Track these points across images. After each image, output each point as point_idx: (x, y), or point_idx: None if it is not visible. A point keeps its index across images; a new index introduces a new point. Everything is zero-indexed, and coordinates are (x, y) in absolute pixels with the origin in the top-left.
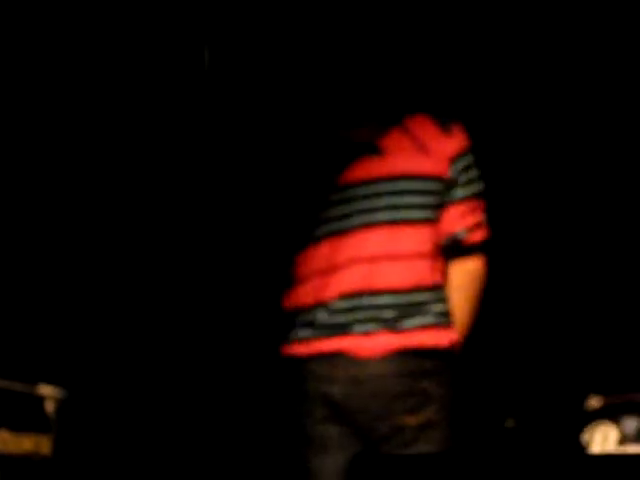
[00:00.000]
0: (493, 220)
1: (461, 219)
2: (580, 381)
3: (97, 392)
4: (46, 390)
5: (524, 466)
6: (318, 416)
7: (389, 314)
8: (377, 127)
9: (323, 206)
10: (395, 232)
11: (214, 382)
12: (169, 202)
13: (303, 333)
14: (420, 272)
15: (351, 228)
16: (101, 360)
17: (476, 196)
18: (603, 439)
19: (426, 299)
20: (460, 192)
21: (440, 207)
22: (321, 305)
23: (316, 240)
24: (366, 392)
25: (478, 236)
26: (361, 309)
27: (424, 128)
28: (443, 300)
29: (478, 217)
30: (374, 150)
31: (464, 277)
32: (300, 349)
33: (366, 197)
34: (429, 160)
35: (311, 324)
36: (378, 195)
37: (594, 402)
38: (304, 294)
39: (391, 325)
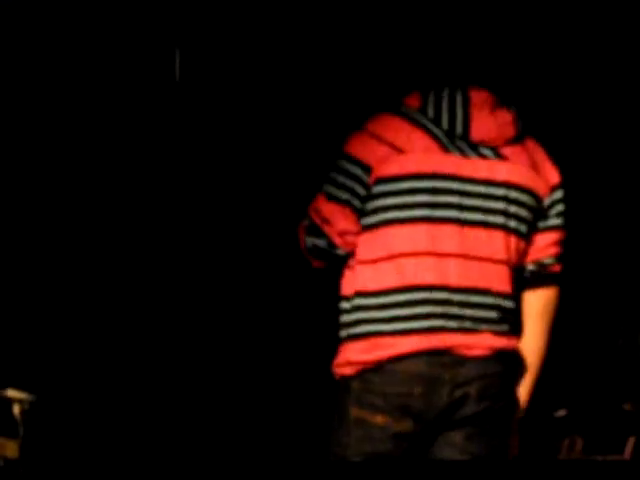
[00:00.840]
0: None
1: (551, 247)
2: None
3: (65, 396)
4: (13, 394)
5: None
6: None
7: (492, 315)
8: (504, 136)
9: (448, 192)
10: (506, 239)
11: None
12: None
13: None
14: (512, 282)
15: (466, 222)
16: (69, 364)
17: (565, 229)
18: None
19: (513, 306)
20: (554, 221)
21: (533, 229)
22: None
23: (416, 221)
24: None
25: (561, 266)
26: (468, 305)
27: (537, 151)
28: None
29: (563, 248)
30: (498, 154)
31: (548, 304)
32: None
33: (486, 197)
34: (539, 180)
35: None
36: (496, 198)
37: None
38: (398, 273)
39: (493, 327)
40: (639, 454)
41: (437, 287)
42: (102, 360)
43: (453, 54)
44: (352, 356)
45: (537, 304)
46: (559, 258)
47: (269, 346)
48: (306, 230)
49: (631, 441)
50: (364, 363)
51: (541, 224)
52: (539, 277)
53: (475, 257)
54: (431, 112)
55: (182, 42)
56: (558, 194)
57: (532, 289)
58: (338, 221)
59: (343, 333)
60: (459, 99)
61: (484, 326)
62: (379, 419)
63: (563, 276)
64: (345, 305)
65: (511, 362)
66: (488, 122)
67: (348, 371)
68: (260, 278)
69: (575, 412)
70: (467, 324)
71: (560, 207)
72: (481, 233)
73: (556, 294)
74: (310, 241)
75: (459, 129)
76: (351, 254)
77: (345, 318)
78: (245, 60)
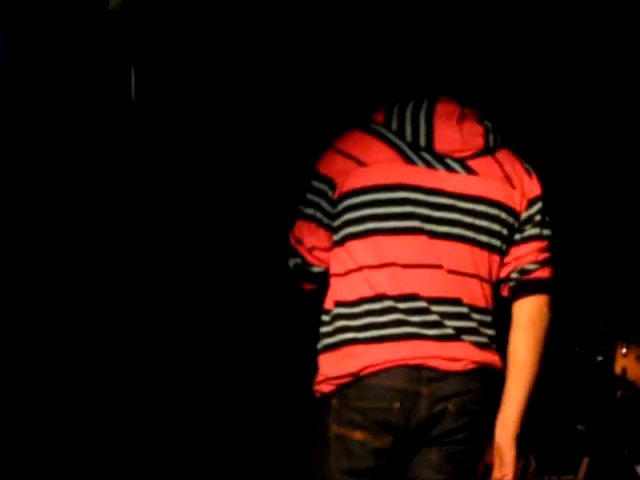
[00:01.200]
0: None
1: (532, 255)
2: None
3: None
4: None
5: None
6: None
7: (471, 324)
8: (472, 148)
9: (412, 203)
10: (476, 253)
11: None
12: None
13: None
14: (485, 296)
15: (438, 235)
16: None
17: (547, 238)
18: None
19: (489, 320)
20: (533, 231)
21: (508, 243)
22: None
23: (385, 232)
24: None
25: (547, 273)
26: (446, 315)
27: (511, 164)
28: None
29: (548, 256)
30: (466, 167)
31: (535, 313)
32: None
33: (454, 210)
34: (514, 194)
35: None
36: (464, 211)
37: None
38: (369, 284)
39: (473, 337)
40: (593, 475)
41: (409, 296)
42: (91, 358)
43: (424, 65)
44: (328, 371)
45: (524, 314)
46: (543, 264)
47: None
48: (286, 253)
49: (585, 461)
50: (340, 377)
51: (518, 236)
52: (522, 285)
53: (446, 269)
54: (394, 125)
55: (137, 60)
56: (536, 207)
57: (517, 299)
58: (306, 238)
59: (320, 345)
60: (423, 111)
61: (464, 336)
62: (358, 435)
63: (552, 283)
64: (323, 318)
65: (492, 379)
66: (453, 133)
67: (326, 388)
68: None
69: (528, 432)
70: (447, 331)
71: (538, 218)
72: (449, 246)
73: (544, 302)
74: (291, 262)
75: (422, 141)
76: (327, 270)
77: (322, 330)
78: (201, 77)
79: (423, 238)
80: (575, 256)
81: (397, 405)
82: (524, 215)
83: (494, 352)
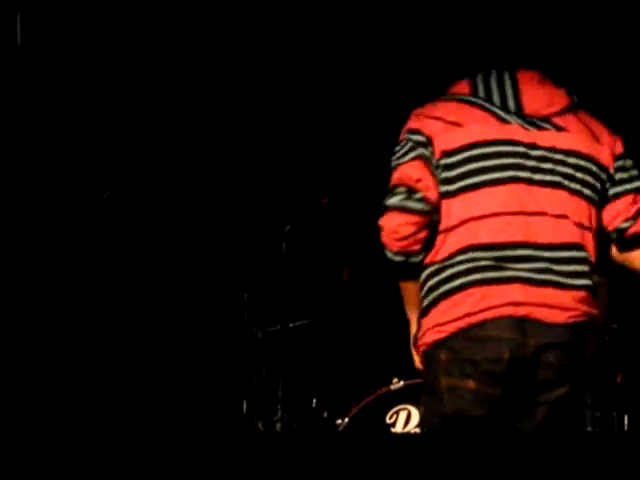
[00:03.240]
0: None
1: (626, 211)
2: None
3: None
4: None
5: None
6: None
7: (583, 268)
8: (558, 104)
9: (509, 156)
10: (574, 200)
11: None
12: None
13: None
14: (590, 241)
15: (538, 183)
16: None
17: (638, 189)
18: (405, 420)
19: (593, 266)
20: (624, 187)
21: (602, 197)
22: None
23: (489, 184)
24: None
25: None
26: (549, 261)
27: (594, 123)
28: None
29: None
30: (555, 125)
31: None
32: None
33: (553, 161)
34: (602, 150)
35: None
36: (560, 163)
37: (396, 385)
38: (475, 235)
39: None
40: None
41: (516, 244)
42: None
43: (495, 40)
44: (439, 319)
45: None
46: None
47: None
48: (386, 197)
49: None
50: (450, 322)
51: (611, 191)
52: (624, 243)
53: (551, 215)
54: (482, 93)
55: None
56: (623, 161)
57: (623, 253)
58: (413, 173)
59: (429, 300)
60: (507, 79)
61: (573, 281)
62: (471, 384)
63: None
64: (427, 271)
65: (589, 330)
66: (539, 94)
67: (434, 337)
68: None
69: None
70: (555, 278)
71: (629, 174)
72: (549, 192)
73: None
74: (392, 200)
75: (511, 104)
76: (433, 203)
77: (430, 283)
78: (86, 25)
79: (524, 186)
80: None
81: (507, 356)
82: (612, 170)
83: (594, 300)
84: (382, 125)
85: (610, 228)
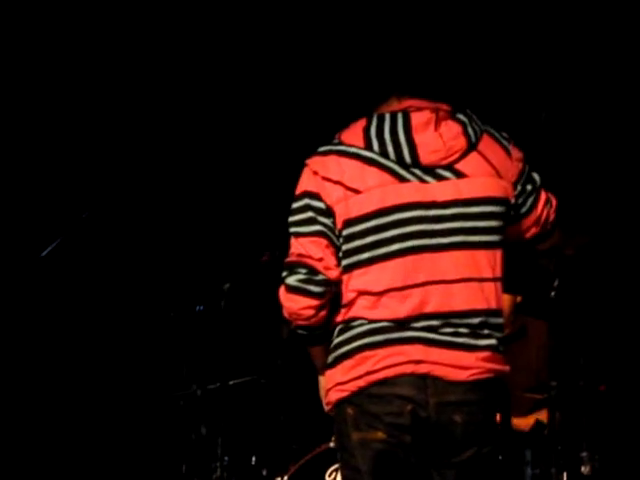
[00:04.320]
0: None
1: (533, 227)
2: None
3: None
4: None
5: None
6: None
7: (472, 331)
8: (456, 151)
9: (411, 222)
10: (479, 255)
11: None
12: None
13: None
14: (497, 293)
15: (437, 248)
16: None
17: (539, 195)
18: None
19: (500, 322)
20: (526, 207)
21: (509, 225)
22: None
23: (390, 256)
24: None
25: (550, 222)
26: (451, 325)
27: (494, 151)
28: (503, 327)
29: (545, 211)
30: (455, 172)
31: (552, 242)
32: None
33: (453, 218)
34: (504, 185)
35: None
36: (464, 217)
37: (334, 442)
38: (379, 309)
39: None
40: None
41: (419, 316)
42: None
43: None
44: (341, 377)
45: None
46: (546, 222)
47: None
48: (285, 272)
49: None
50: (352, 380)
51: (516, 215)
52: (537, 240)
53: (453, 280)
54: (376, 147)
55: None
56: (521, 184)
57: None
58: (313, 251)
59: (331, 358)
60: (400, 127)
61: (474, 342)
62: (380, 434)
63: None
64: (335, 329)
65: (497, 388)
66: (435, 143)
67: (339, 395)
68: None
69: None
70: (457, 340)
71: (527, 189)
72: (455, 255)
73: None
74: (292, 279)
75: (408, 158)
76: (334, 282)
77: (336, 341)
78: None
79: (427, 255)
80: None
81: (409, 408)
82: (515, 195)
83: (502, 358)
84: None
85: (523, 239)
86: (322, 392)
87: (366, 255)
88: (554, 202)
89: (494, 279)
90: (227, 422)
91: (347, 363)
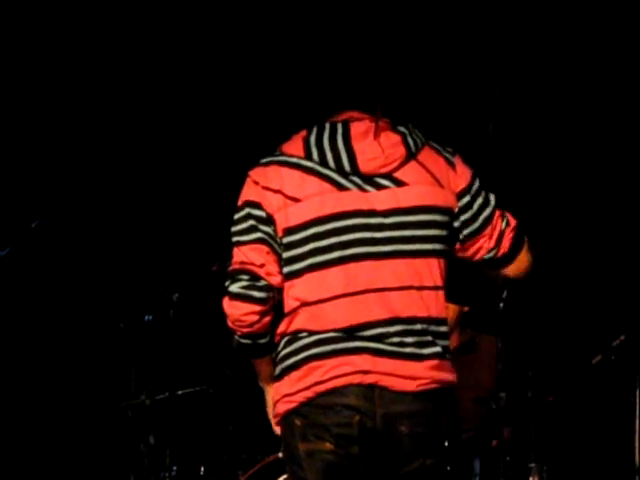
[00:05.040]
0: None
1: (487, 242)
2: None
3: None
4: None
5: None
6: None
7: (426, 338)
8: (395, 160)
9: (351, 230)
10: (420, 263)
11: None
12: None
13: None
14: (440, 302)
15: (377, 255)
16: None
17: (492, 216)
18: None
19: (443, 330)
20: (473, 228)
21: (455, 239)
22: (346, 330)
23: (331, 264)
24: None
25: (506, 244)
26: (395, 334)
27: (435, 162)
28: (447, 335)
29: (501, 228)
30: (395, 180)
31: (520, 268)
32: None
33: (392, 227)
34: (444, 194)
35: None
36: (403, 226)
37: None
38: (322, 318)
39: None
40: None
41: (362, 325)
42: None
43: (329, 79)
44: (288, 389)
45: (512, 271)
46: (499, 242)
47: None
48: (228, 281)
49: None
50: (300, 392)
51: (464, 233)
52: (493, 264)
53: (394, 288)
54: (315, 155)
55: None
56: (468, 197)
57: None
58: (255, 258)
59: (280, 367)
60: (339, 135)
61: (419, 351)
62: (328, 445)
63: (522, 231)
64: (280, 342)
65: (444, 397)
66: (373, 151)
67: (287, 407)
68: None
69: None
70: (403, 350)
71: (473, 211)
72: (395, 263)
73: (523, 257)
74: (234, 287)
75: (347, 166)
76: (275, 288)
77: (282, 353)
78: None
79: (367, 263)
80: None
81: (356, 419)
82: (458, 209)
83: (449, 366)
84: None
85: (476, 258)
86: (269, 406)
87: (306, 263)
88: (513, 222)
89: (435, 287)
90: (176, 432)
91: (294, 374)
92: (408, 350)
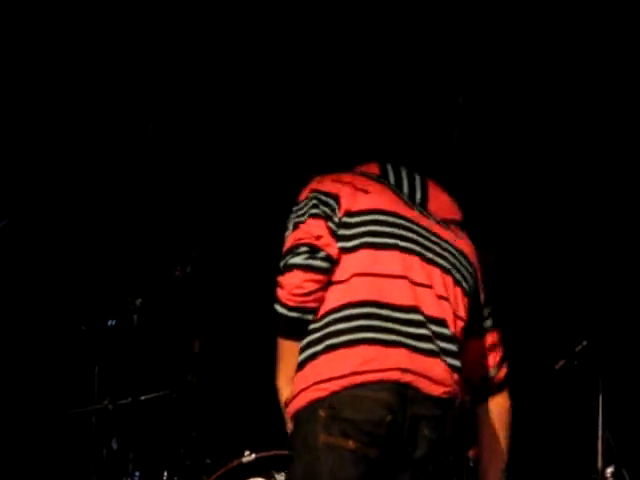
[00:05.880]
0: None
1: (490, 353)
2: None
3: None
4: None
5: None
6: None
7: (453, 347)
8: (454, 217)
9: (408, 230)
10: (456, 287)
11: None
12: None
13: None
14: (460, 329)
15: (430, 261)
16: None
17: (498, 328)
18: None
19: (459, 349)
20: (488, 322)
21: (473, 306)
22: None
23: (387, 247)
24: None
25: (504, 371)
26: (432, 332)
27: (462, 233)
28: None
29: (503, 350)
30: (454, 231)
31: (503, 415)
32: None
33: (443, 249)
34: (478, 274)
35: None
36: (450, 253)
37: (247, 457)
38: (380, 290)
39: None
40: None
41: (408, 308)
42: None
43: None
44: (317, 377)
45: (494, 415)
46: (502, 363)
47: None
48: (287, 256)
49: None
50: (334, 380)
51: (477, 325)
52: (489, 389)
53: (435, 291)
54: (392, 179)
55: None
56: (484, 294)
57: (487, 401)
58: (314, 230)
59: (309, 352)
60: (416, 175)
61: (448, 358)
62: (351, 444)
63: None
64: (315, 325)
65: (458, 406)
66: (443, 200)
67: (316, 395)
68: None
69: None
70: (435, 349)
71: (489, 308)
72: (438, 272)
73: (508, 400)
74: (295, 259)
75: (418, 196)
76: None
77: (313, 337)
78: None
79: (417, 259)
80: None
81: (388, 419)
82: (479, 301)
83: (462, 382)
84: (238, 199)
85: (477, 374)
86: (284, 394)
87: (362, 240)
88: (506, 366)
89: (462, 320)
90: (139, 437)
91: (328, 358)
92: (440, 355)
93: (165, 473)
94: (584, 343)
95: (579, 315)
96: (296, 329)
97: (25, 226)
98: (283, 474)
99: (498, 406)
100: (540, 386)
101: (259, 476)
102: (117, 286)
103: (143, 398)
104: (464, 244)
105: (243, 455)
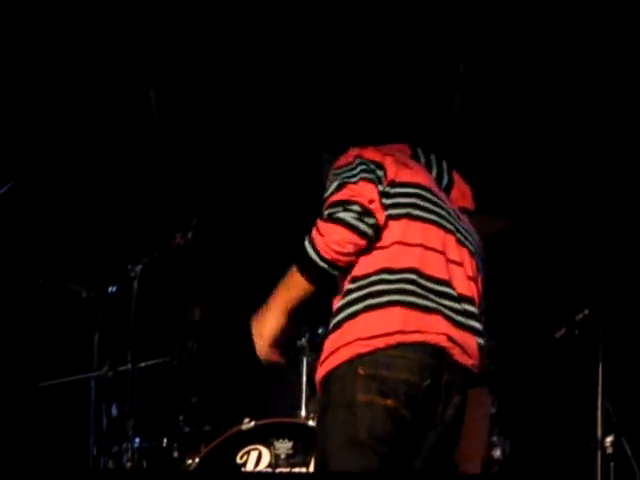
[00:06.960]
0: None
1: None
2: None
3: None
4: None
5: None
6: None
7: (475, 324)
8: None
9: (444, 210)
10: (479, 273)
11: None
12: None
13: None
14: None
15: (462, 242)
16: None
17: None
18: (256, 460)
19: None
20: None
21: None
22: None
23: (429, 222)
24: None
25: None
26: (465, 308)
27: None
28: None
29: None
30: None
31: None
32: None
33: (469, 232)
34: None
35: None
36: (474, 239)
37: (247, 425)
38: (423, 260)
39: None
40: None
41: (443, 281)
42: None
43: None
44: (363, 333)
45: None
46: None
47: None
48: (338, 208)
49: None
50: (379, 337)
51: None
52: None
53: (465, 270)
54: (422, 160)
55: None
56: None
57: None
58: (366, 193)
59: (348, 312)
60: (445, 161)
61: (477, 335)
62: (389, 402)
63: None
64: (360, 282)
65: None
66: (463, 189)
67: (358, 350)
68: None
69: None
70: (470, 324)
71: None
72: (468, 255)
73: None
74: (346, 214)
75: (445, 181)
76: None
77: (351, 297)
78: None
79: (453, 238)
80: None
81: (427, 382)
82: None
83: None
84: (239, 165)
85: None
86: (273, 322)
87: (406, 210)
88: None
89: (481, 306)
90: (138, 404)
91: (371, 316)
92: (471, 331)
93: (165, 440)
94: (585, 312)
95: (581, 284)
96: (317, 277)
97: (27, 192)
98: (282, 441)
99: (480, 396)
100: (540, 354)
101: (258, 443)
102: (118, 253)
103: (143, 365)
104: (476, 234)
105: (242, 422)
